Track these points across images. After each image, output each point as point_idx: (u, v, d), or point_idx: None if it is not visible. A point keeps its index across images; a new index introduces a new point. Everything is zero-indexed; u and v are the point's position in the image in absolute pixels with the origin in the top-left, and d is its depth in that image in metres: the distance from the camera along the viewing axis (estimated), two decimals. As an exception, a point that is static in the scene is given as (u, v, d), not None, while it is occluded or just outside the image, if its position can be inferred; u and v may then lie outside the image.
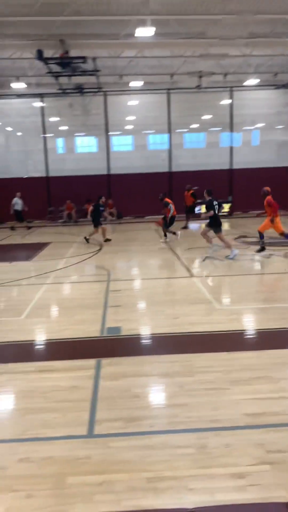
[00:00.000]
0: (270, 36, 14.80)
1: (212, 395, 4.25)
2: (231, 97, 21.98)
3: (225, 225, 18.17)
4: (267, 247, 11.26)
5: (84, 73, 16.27)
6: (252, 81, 19.80)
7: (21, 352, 5.68)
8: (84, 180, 21.30)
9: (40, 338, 6.22)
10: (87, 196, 19.46)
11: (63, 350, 5.67)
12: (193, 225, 17.21)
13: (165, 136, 22.74)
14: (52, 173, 22.24)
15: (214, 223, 10.94)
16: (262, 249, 11.23)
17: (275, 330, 5.97)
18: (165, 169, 22.42)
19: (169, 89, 21.31)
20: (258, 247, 11.37)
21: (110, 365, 5.04)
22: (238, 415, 3.89)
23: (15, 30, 13.78)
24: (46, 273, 10.08)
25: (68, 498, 2.99)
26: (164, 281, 9.28)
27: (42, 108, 21.98)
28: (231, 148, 22.75)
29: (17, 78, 18.65)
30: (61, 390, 4.49)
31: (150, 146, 25.36)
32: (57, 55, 14.58)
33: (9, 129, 24.95)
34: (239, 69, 19.60)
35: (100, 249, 13.01)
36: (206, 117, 24.04)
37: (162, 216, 14.22)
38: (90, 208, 14.15)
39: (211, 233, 11.24)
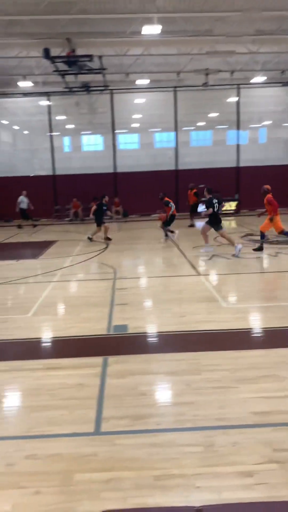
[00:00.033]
0: (277, 33, 14.76)
1: (219, 394, 4.24)
2: (238, 95, 21.86)
3: (232, 223, 18.12)
4: (273, 245, 11.20)
5: (91, 71, 16.29)
6: (259, 79, 19.72)
7: (28, 349, 5.70)
8: (91, 179, 21.31)
9: (46, 335, 6.23)
10: (94, 194, 19.47)
11: (69, 348, 5.67)
12: (200, 223, 17.14)
13: (172, 134, 22.65)
14: (58, 172, 22.27)
15: (214, 221, 10.98)
16: (260, 248, 11.21)
17: (281, 329, 5.95)
18: (171, 167, 22.32)
19: (175, 87, 21.24)
20: (258, 245, 11.39)
21: (117, 363, 5.04)
22: (245, 413, 3.88)
23: (21, 29, 13.83)
24: (52, 271, 10.11)
25: (75, 495, 2.99)
26: (170, 279, 9.28)
27: (48, 106, 22.01)
28: (238, 146, 22.62)
29: (24, 77, 18.73)
30: (68, 387, 4.50)
31: (157, 144, 25.32)
32: (63, 54, 14.63)
33: (16, 127, 25.03)
34: (246, 67, 19.53)
35: (106, 247, 13.03)
36: (213, 115, 23.95)
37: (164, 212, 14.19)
38: (93, 207, 14.22)
39: (212, 232, 11.27)
